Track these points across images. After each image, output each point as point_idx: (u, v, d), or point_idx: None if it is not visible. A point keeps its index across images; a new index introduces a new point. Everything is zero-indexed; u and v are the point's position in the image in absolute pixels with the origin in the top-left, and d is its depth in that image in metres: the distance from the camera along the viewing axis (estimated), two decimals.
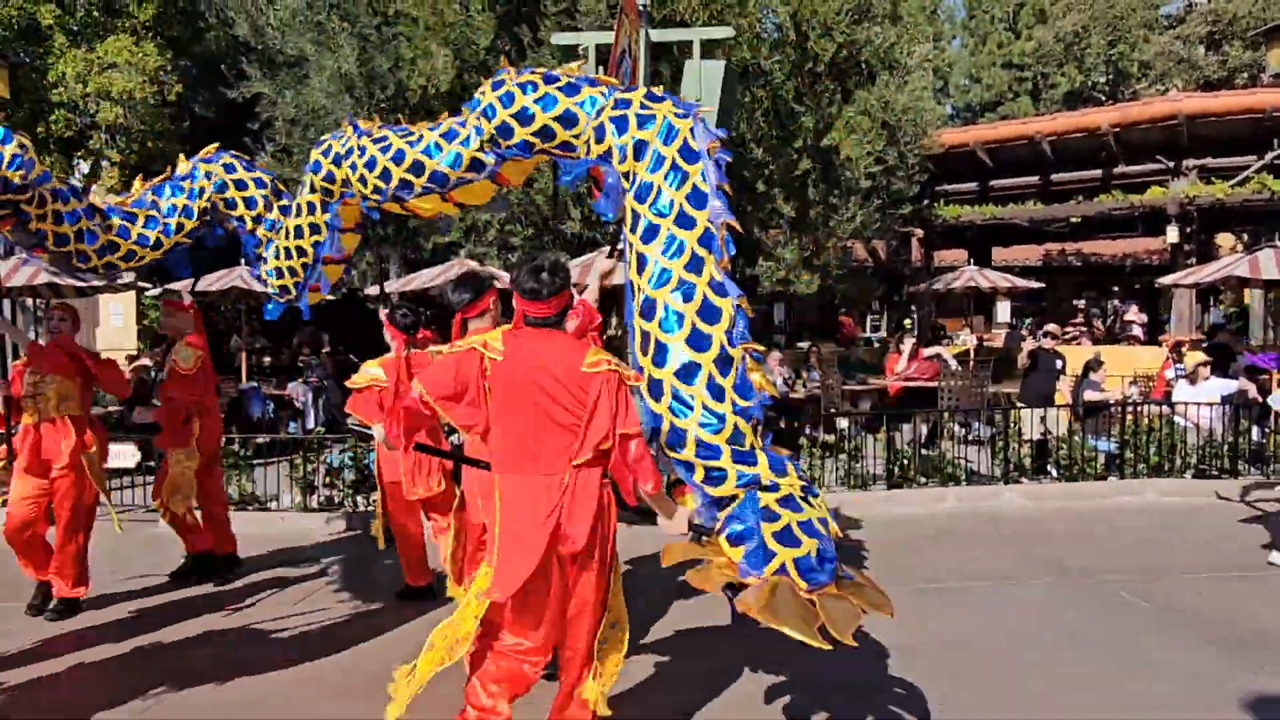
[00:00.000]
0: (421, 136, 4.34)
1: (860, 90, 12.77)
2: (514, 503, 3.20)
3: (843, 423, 11.58)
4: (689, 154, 3.60)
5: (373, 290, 13.53)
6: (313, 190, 4.92)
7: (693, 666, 4.59)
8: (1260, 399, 10.32)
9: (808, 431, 10.99)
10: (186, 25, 15.30)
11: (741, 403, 3.43)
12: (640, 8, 7.64)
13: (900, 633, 4.83)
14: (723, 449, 3.37)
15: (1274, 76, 9.28)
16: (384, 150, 4.41)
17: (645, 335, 3.51)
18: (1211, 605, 5.48)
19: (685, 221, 3.52)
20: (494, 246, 12.78)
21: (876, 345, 18.58)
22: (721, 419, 3.39)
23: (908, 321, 17.20)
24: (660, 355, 3.46)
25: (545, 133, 3.89)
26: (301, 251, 5.12)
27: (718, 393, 3.40)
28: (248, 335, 14.04)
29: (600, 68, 6.76)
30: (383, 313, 5.95)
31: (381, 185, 4.45)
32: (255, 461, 8.26)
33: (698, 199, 3.54)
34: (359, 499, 7.95)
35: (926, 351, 12.68)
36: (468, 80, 11.11)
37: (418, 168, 4.31)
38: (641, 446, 3.23)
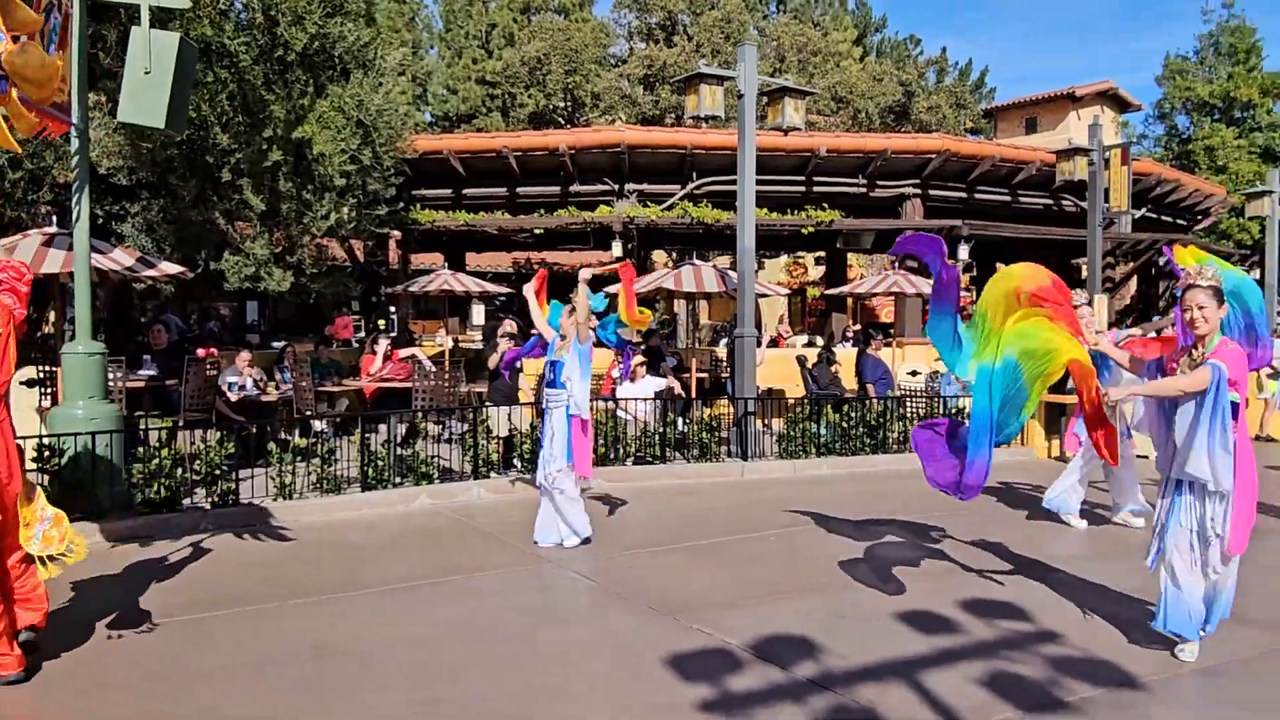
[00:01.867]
0: None
1: (334, 86, 12.52)
2: None
3: (319, 425, 11.28)
4: None
5: None
6: None
7: None
8: (683, 393, 12.08)
9: (280, 435, 10.52)
10: None
11: None
12: None
13: (370, 635, 4.83)
14: None
15: (692, 119, 10.91)
16: None
17: None
18: (644, 577, 6.30)
19: None
20: None
21: (355, 346, 18.36)
22: None
23: (382, 322, 17.27)
24: None
25: None
26: None
27: None
28: None
29: None
30: None
31: None
32: None
33: None
34: None
35: (402, 353, 12.84)
36: None
37: None
38: None
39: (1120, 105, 33.24)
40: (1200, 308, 4.57)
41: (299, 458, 8.44)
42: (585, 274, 7.12)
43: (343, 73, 12.94)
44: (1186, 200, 23.86)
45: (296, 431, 11.02)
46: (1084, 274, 14.81)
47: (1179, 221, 24.68)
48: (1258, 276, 25.97)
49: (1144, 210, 22.06)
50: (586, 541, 7.01)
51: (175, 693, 4.25)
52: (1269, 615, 5.34)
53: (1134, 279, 25.51)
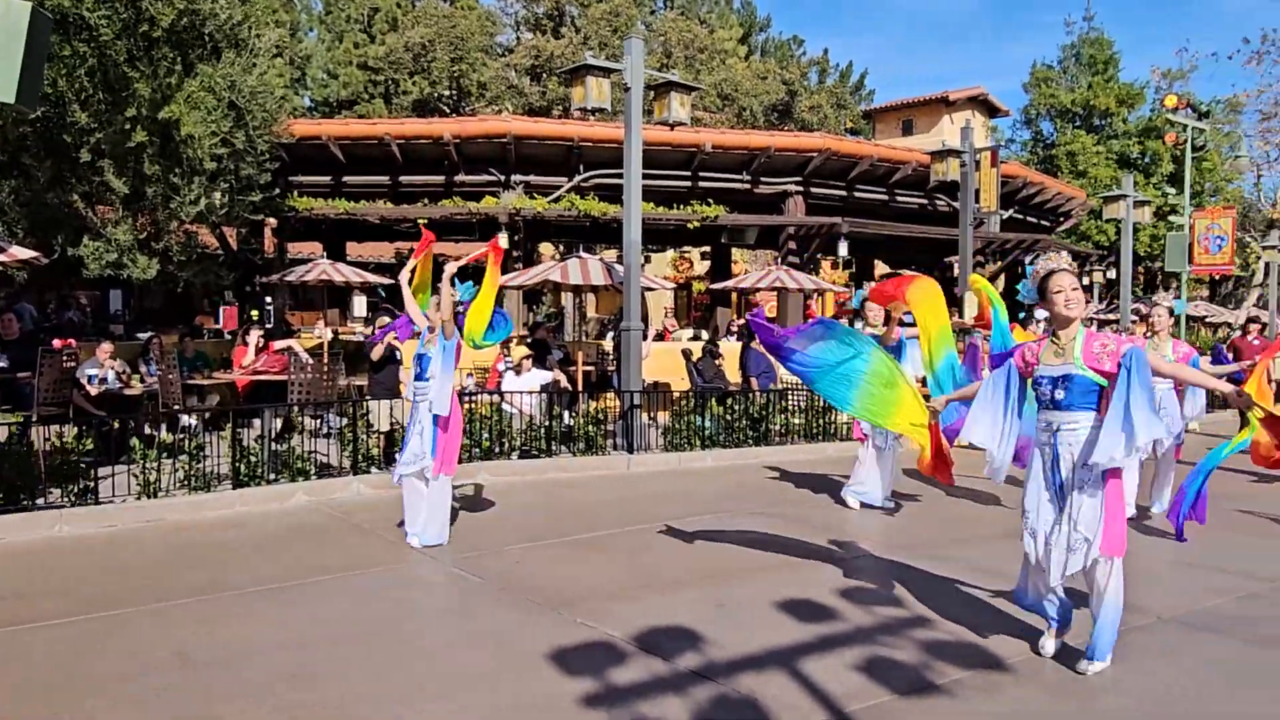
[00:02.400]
0: None
1: (204, 65, 11.96)
2: None
3: (187, 419, 10.79)
4: None
5: None
6: None
7: None
8: (570, 386, 12.04)
9: (146, 430, 10.02)
10: None
11: None
12: None
13: (238, 639, 4.64)
14: None
15: (579, 111, 10.86)
16: None
17: None
18: (529, 572, 6.24)
19: None
20: None
21: (229, 337, 17.65)
22: None
23: (255, 313, 16.62)
24: None
25: None
26: None
27: None
28: None
29: None
30: None
31: None
32: None
33: None
34: None
35: (277, 344, 12.40)
36: None
37: None
38: None
39: (990, 110, 34.74)
40: (1074, 289, 4.41)
41: (165, 454, 8.05)
42: (450, 268, 6.85)
43: (213, 51, 12.37)
44: (1050, 202, 25.10)
45: (163, 427, 10.51)
46: (956, 271, 15.42)
47: (1043, 223, 25.95)
48: (1113, 276, 27.50)
49: (1011, 211, 23.11)
50: (440, 544, 6.75)
51: (44, 712, 3.99)
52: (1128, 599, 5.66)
53: (1002, 277, 26.70)
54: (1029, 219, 24.84)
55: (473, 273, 7.81)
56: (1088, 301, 4.72)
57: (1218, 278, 24.07)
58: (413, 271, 7.36)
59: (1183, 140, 24.29)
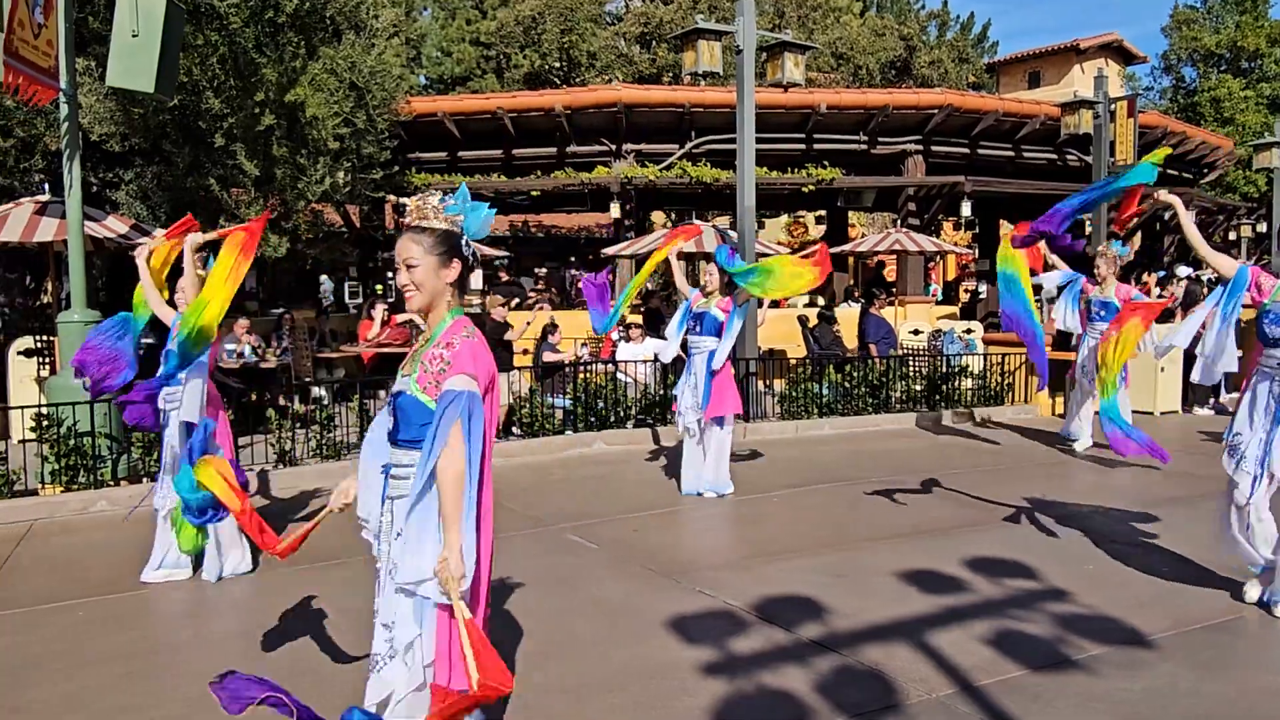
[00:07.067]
0: None
1: (326, 48, 12.31)
2: None
3: (318, 391, 11.24)
4: None
5: None
6: None
7: None
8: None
9: (280, 402, 10.48)
10: None
11: None
12: None
13: None
14: None
15: (690, 76, 10.73)
16: None
17: None
18: (645, 540, 6.26)
19: None
20: None
21: (354, 312, 18.28)
22: None
23: (379, 287, 17.14)
24: None
25: None
26: None
27: None
28: None
29: None
30: None
31: None
32: None
33: None
34: None
35: (400, 317, 12.75)
36: None
37: None
38: None
39: (1125, 57, 32.82)
40: (412, 266, 2.81)
41: (298, 424, 8.39)
42: (194, 240, 5.39)
43: (335, 34, 12.74)
44: (1193, 153, 23.58)
45: (296, 398, 10.97)
46: (1088, 229, 14.68)
47: (1185, 175, 24.42)
48: (1264, 229, 25.68)
49: None
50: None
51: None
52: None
53: (1139, 233, 25.31)
54: (1170, 171, 23.38)
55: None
56: (1235, 255, 4.35)
57: None
58: (153, 252, 5.74)
59: None
